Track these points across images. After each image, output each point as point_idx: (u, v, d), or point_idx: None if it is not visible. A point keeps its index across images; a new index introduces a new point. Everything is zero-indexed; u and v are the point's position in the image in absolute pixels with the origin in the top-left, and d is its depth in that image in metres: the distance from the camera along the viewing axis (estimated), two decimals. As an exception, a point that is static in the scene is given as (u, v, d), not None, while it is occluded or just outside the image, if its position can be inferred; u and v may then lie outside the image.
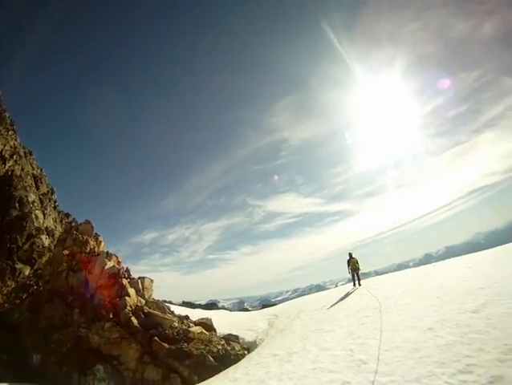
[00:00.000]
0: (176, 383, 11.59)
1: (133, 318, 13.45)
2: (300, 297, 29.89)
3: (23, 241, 21.34)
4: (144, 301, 14.76)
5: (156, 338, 12.84)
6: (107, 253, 16.49)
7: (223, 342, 13.72)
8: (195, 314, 30.72)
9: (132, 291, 14.74)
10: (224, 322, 21.04)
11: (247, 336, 17.08)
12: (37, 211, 25.05)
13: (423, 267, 22.05)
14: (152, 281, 16.87)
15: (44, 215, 26.29)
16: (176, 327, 13.58)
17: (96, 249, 17.64)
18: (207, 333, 14.40)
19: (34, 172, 29.59)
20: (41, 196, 28.51)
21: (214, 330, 15.73)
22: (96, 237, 18.06)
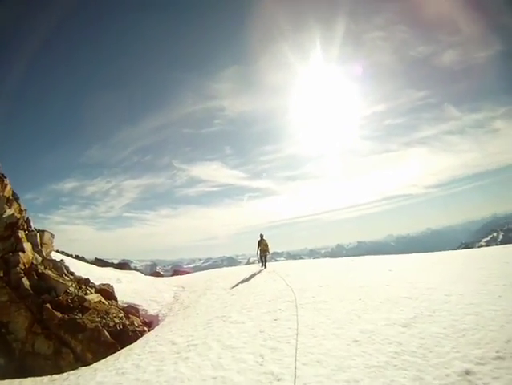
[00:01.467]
0: (68, 360, 10.61)
1: (24, 279, 11.85)
2: (210, 270, 29.95)
3: None
4: (40, 259, 13.09)
5: (47, 305, 11.58)
6: (8, 198, 14.04)
7: (122, 314, 13.03)
8: (104, 274, 29.17)
9: (28, 246, 12.91)
10: (129, 288, 20.15)
11: (150, 308, 16.56)
12: None
13: (340, 260, 22.86)
14: (52, 235, 14.93)
15: None
16: (72, 293, 12.41)
17: (4, 194, 14.81)
18: (106, 302, 13.50)
19: None
20: None
21: (115, 299, 14.86)
22: (1, 178, 15.27)
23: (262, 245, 18.94)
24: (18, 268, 11.94)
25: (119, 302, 16.70)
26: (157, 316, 15.31)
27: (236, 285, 17.38)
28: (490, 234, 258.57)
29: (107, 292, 14.71)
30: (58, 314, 11.60)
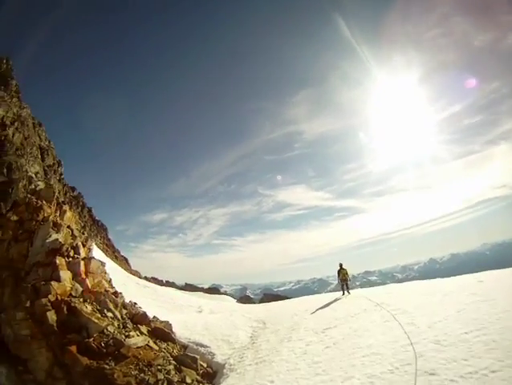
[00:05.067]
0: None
1: (51, 313, 9.59)
2: (299, 299, 25.35)
3: (7, 208, 18.33)
4: (80, 290, 10.90)
5: (71, 348, 8.96)
6: (55, 222, 12.56)
7: (171, 366, 9.64)
8: (187, 301, 27.47)
9: (66, 275, 10.85)
10: (201, 322, 17.13)
11: (219, 352, 12.96)
12: (39, 182, 23.32)
13: (460, 280, 16.49)
14: (103, 264, 12.83)
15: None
16: (109, 335, 9.62)
17: (57, 219, 13.69)
18: (155, 347, 10.38)
19: (42, 143, 28.34)
20: (46, 168, 27.23)
21: (172, 340, 11.78)
22: (60, 204, 14.24)
23: (342, 274, 19.23)
24: (45, 299, 9.75)
25: (183, 341, 13.68)
26: (224, 365, 11.61)
27: (330, 326, 12.85)
28: None
29: (162, 332, 11.74)
30: (85, 360, 8.81)
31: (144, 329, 11.34)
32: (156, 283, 46.02)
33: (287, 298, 38.51)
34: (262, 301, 44.20)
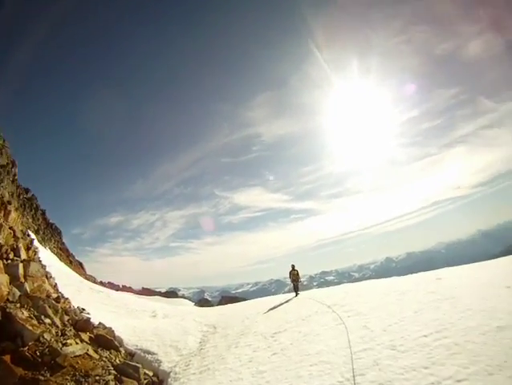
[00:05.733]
0: None
1: (-19, 320, 8.96)
2: (254, 301, 25.60)
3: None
4: (18, 295, 10.23)
5: (4, 358, 8.40)
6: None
7: (111, 376, 9.31)
8: (141, 306, 26.59)
9: (3, 278, 10.10)
10: (151, 328, 16.73)
11: (166, 359, 12.64)
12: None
13: (417, 278, 16.27)
14: (43, 267, 12.18)
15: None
16: (45, 342, 9.11)
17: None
18: (95, 356, 9.96)
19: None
20: (-1, 168, 25.94)
21: (115, 348, 11.34)
22: (4, 204, 13.30)
23: (293, 275, 20.04)
24: (-26, 306, 9.08)
25: (130, 348, 13.29)
26: (170, 373, 11.38)
27: (280, 330, 12.87)
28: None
29: (104, 339, 11.27)
30: (19, 371, 8.26)
31: (85, 336, 10.84)
32: (111, 288, 44.58)
33: (244, 300, 38.63)
34: (219, 303, 44.16)
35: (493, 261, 17.39)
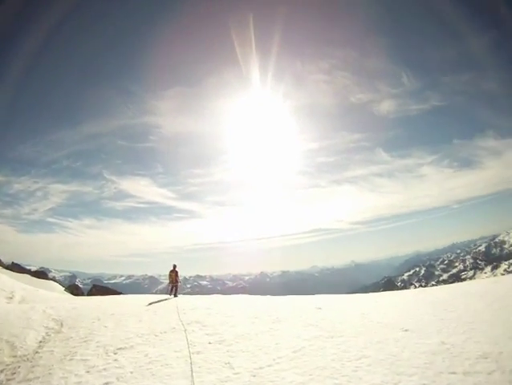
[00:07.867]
0: None
1: None
2: (113, 297, 22.05)
3: None
4: None
5: None
6: None
7: None
8: (7, 285, 22.19)
9: None
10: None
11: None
12: None
13: (294, 302, 15.00)
14: None
15: None
16: None
17: None
18: None
19: None
20: None
21: None
22: None
23: (171, 276, 19.17)
24: None
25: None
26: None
27: (127, 345, 9.53)
28: (413, 269, 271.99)
29: None
30: None
31: None
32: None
33: (116, 293, 37.24)
34: (90, 292, 41.42)
35: (372, 294, 17.74)
